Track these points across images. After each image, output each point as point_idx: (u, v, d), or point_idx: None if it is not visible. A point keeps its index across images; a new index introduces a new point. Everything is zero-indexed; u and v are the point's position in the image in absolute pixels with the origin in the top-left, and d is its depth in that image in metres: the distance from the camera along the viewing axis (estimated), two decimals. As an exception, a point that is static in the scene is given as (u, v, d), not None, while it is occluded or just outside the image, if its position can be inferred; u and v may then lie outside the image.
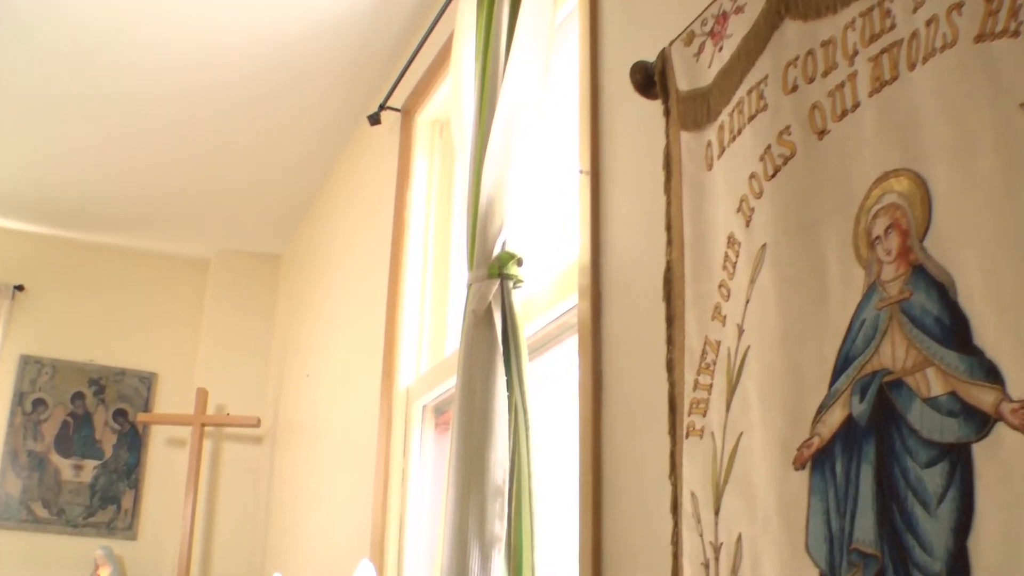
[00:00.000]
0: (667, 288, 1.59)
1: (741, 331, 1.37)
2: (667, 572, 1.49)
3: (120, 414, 5.21)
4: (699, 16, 1.62)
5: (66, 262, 5.32)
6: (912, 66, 1.14)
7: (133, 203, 4.91)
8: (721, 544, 1.35)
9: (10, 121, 4.16)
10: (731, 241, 1.43)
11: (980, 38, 1.05)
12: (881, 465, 1.08)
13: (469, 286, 2.15)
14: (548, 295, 2.20)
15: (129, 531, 5.09)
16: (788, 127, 1.33)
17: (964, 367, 1.00)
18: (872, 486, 1.09)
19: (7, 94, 3.94)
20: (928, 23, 1.12)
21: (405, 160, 3.38)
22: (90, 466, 5.10)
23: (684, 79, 1.63)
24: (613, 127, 1.97)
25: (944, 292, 1.04)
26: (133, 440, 5.21)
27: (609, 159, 1.96)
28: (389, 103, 3.49)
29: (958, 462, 0.99)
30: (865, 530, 1.09)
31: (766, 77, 1.39)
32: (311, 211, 4.84)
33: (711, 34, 1.57)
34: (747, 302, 1.36)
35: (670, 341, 1.56)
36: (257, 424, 4.89)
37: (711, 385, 1.43)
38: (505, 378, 2.00)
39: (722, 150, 1.49)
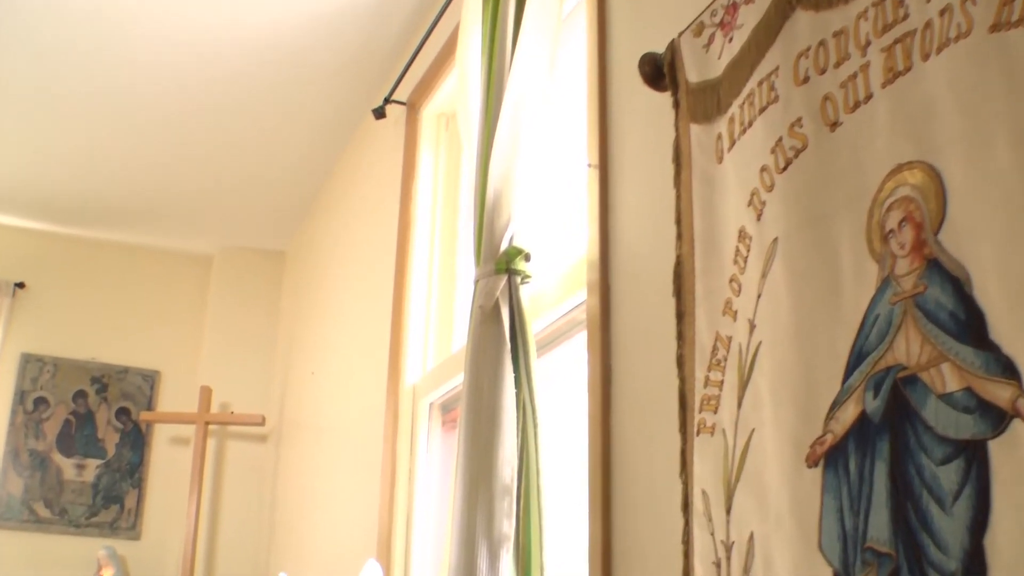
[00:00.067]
0: (677, 283, 1.58)
1: (752, 326, 1.35)
2: (678, 571, 1.48)
3: (123, 413, 5.20)
4: (709, 6, 1.61)
5: (67, 259, 5.30)
6: (926, 57, 1.12)
7: (135, 199, 4.90)
8: (733, 543, 1.34)
9: (11, 118, 4.15)
10: (742, 235, 1.41)
11: (995, 28, 1.03)
12: (895, 462, 1.07)
13: (476, 282, 2.14)
14: (556, 291, 2.19)
15: (132, 531, 5.08)
16: (800, 119, 1.32)
17: (980, 362, 0.98)
18: (886, 483, 1.08)
19: (8, 91, 3.94)
20: (942, 13, 1.11)
21: (410, 154, 3.37)
22: (92, 465, 5.09)
23: (694, 71, 1.61)
24: (621, 120, 1.96)
25: (959, 286, 1.03)
26: (136, 439, 5.19)
27: (618, 152, 1.95)
28: (394, 96, 3.48)
29: (974, 459, 0.98)
30: (879, 528, 1.08)
31: (777, 68, 1.38)
32: (315, 207, 4.83)
33: (721, 25, 1.56)
34: (758, 297, 1.35)
35: (680, 337, 1.55)
36: (261, 422, 4.88)
37: (722, 381, 1.42)
38: (513, 375, 1.99)
39: (732, 143, 1.48)
